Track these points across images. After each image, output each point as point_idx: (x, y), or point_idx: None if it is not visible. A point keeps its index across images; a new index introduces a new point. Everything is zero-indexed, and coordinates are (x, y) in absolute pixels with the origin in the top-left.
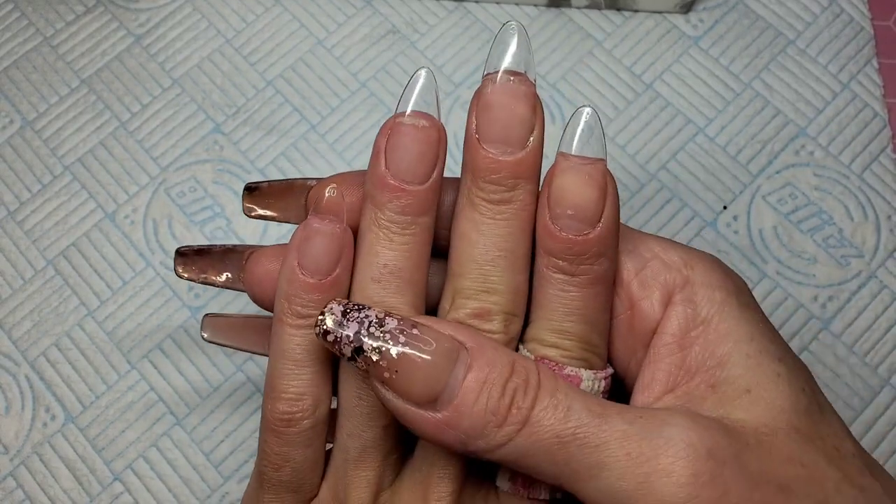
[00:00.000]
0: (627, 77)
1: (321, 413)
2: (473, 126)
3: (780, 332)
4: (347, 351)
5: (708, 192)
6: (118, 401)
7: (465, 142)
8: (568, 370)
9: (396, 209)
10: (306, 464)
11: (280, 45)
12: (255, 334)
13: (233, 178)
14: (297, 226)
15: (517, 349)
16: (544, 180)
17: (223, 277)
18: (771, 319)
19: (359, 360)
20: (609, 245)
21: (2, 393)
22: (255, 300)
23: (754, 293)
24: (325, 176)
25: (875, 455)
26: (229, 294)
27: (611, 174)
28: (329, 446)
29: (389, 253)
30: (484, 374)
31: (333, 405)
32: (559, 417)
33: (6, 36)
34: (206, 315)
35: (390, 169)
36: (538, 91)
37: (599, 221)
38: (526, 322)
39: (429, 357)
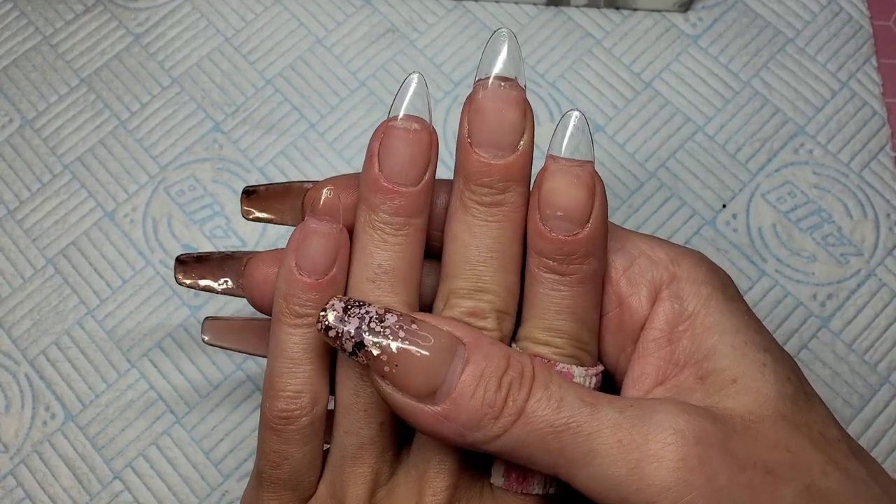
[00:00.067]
0: (626, 75)
1: (319, 411)
2: (465, 130)
3: (780, 330)
4: (348, 346)
5: (707, 190)
6: (118, 399)
7: (457, 146)
8: (560, 367)
9: (390, 211)
10: (304, 461)
11: (279, 43)
12: (255, 337)
13: (232, 176)
14: (294, 227)
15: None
16: (534, 182)
17: (222, 284)
18: (770, 317)
19: (359, 354)
20: (598, 245)
21: (1, 391)
22: (255, 305)
23: (753, 291)
24: (324, 175)
25: (874, 452)
26: None
27: (598, 176)
28: (327, 447)
29: (384, 253)
30: (481, 369)
31: (331, 405)
32: (553, 408)
33: (6, 35)
34: (207, 318)
35: (383, 171)
36: (537, 90)
37: (588, 222)
38: (518, 321)
39: (427, 352)
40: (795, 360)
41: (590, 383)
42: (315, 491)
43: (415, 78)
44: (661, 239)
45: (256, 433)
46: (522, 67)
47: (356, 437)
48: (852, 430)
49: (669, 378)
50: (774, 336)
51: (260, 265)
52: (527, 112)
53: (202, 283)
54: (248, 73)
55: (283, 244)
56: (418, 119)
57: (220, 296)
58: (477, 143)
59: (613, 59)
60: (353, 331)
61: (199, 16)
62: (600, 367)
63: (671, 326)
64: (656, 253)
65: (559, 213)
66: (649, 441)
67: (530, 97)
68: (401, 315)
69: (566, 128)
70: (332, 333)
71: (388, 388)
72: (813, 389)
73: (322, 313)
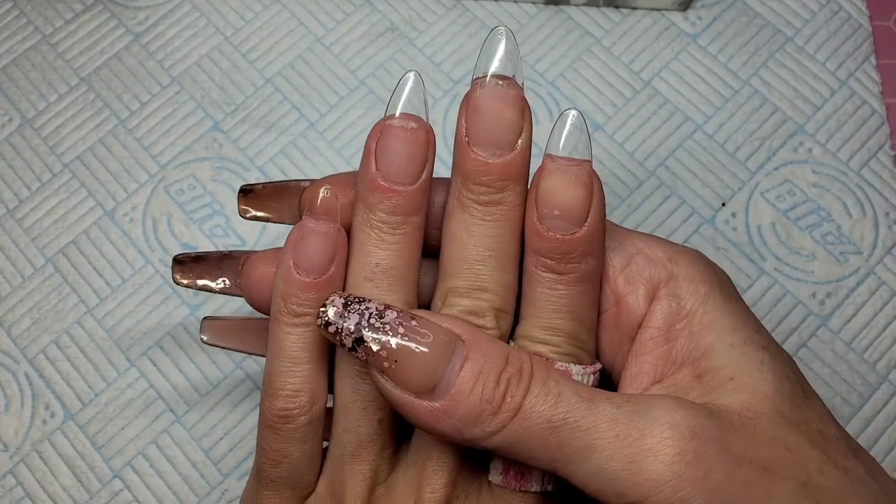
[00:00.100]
0: (626, 74)
1: (318, 409)
2: (463, 129)
3: (779, 328)
4: (348, 342)
5: (706, 188)
6: (117, 398)
7: (454, 145)
8: (558, 366)
9: (387, 209)
10: (303, 460)
11: (279, 42)
12: (254, 336)
13: (232, 175)
14: (292, 226)
15: None
16: (532, 181)
17: (220, 283)
18: (769, 316)
19: (359, 350)
20: (595, 244)
21: (1, 390)
22: (252, 304)
23: (752, 290)
24: (323, 174)
25: (873, 451)
26: None
27: (596, 175)
28: (326, 444)
29: (381, 252)
30: (479, 365)
31: (330, 403)
32: (550, 403)
33: (5, 34)
34: (205, 318)
35: (380, 170)
36: (537, 89)
37: (586, 221)
38: (516, 320)
39: (426, 348)
40: (794, 358)
41: (587, 381)
42: (314, 488)
43: (411, 76)
44: (658, 237)
45: (256, 432)
46: (520, 65)
47: (355, 435)
48: (851, 428)
49: (667, 376)
50: (773, 335)
51: (258, 264)
52: (525, 110)
53: (200, 282)
54: (248, 72)
55: (282, 243)
56: (415, 117)
57: (219, 295)
58: (475, 141)
59: (613, 57)
60: (352, 327)
61: (198, 15)
62: (598, 366)
63: (669, 325)
64: (654, 251)
65: (557, 213)
66: (646, 436)
67: (529, 96)
68: (400, 311)
69: (563, 126)
70: (331, 329)
71: (387, 384)
72: (811, 387)
73: (322, 309)
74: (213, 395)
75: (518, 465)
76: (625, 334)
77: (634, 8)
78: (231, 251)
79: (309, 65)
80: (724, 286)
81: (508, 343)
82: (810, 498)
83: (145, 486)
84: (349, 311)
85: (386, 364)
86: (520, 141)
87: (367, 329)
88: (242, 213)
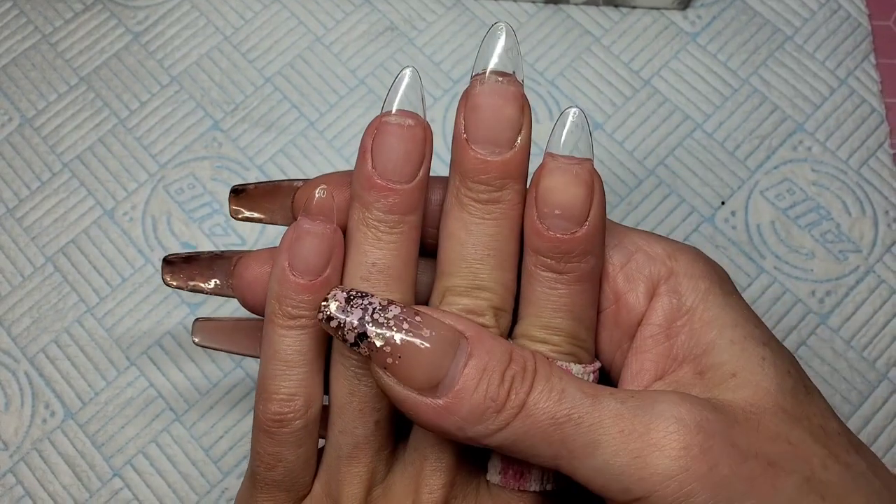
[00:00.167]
0: (625, 73)
1: (313, 413)
2: (462, 126)
3: (778, 326)
4: (351, 337)
5: (706, 187)
6: (117, 397)
7: (453, 142)
8: (557, 364)
9: (384, 208)
10: (298, 463)
11: (278, 42)
12: (246, 337)
13: (231, 174)
14: (284, 227)
15: None
16: (532, 180)
17: (211, 284)
18: (769, 314)
19: (362, 345)
20: (596, 243)
21: (1, 389)
22: (245, 305)
23: (752, 288)
24: (322, 173)
25: (874, 448)
26: None
27: (597, 173)
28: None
29: (378, 252)
30: (484, 363)
31: (326, 402)
32: (554, 400)
33: (5, 34)
34: (197, 319)
35: (377, 168)
36: (536, 88)
37: (586, 220)
38: (515, 319)
39: (430, 345)
40: (794, 356)
41: (587, 380)
42: (310, 490)
43: (408, 72)
44: (657, 235)
45: None
46: (520, 62)
47: (351, 437)
48: (851, 425)
49: (668, 373)
50: (773, 333)
51: (251, 265)
52: (524, 107)
53: (190, 283)
54: (248, 72)
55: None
56: (412, 114)
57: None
58: (473, 139)
59: (612, 56)
60: (356, 321)
61: (198, 14)
62: (597, 364)
63: (669, 321)
64: (653, 248)
65: (557, 212)
66: (651, 430)
67: (529, 95)
68: (404, 307)
69: (564, 125)
70: (333, 324)
71: (389, 381)
72: (811, 382)
73: (323, 303)
74: (213, 393)
75: (517, 465)
76: (624, 332)
77: (634, 7)
78: (223, 251)
79: (308, 64)
80: (723, 283)
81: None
82: (814, 492)
83: (145, 484)
84: (352, 306)
85: (389, 360)
86: (519, 138)
87: (370, 324)
88: (234, 214)
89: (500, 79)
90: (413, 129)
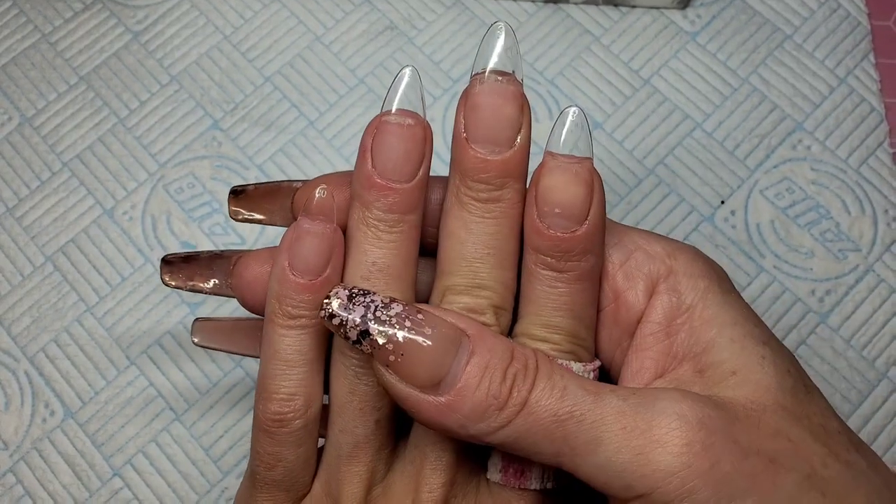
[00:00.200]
0: (625, 72)
1: (313, 413)
2: (461, 126)
3: (778, 325)
4: (353, 334)
5: (705, 186)
6: (117, 396)
7: (453, 141)
8: (558, 363)
9: (384, 207)
10: (298, 462)
11: (278, 41)
12: (246, 337)
13: (231, 174)
14: (283, 228)
15: None
16: (532, 179)
17: (211, 284)
18: (768, 313)
19: (364, 343)
20: (596, 242)
21: (1, 389)
22: (245, 305)
23: (751, 287)
24: (323, 172)
25: (873, 447)
26: None
27: (597, 172)
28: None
29: (378, 251)
30: (486, 360)
31: (325, 402)
32: (556, 397)
33: (5, 33)
34: (196, 319)
35: (377, 168)
36: (536, 87)
37: (586, 219)
38: (515, 317)
39: (432, 342)
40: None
41: (588, 378)
42: (310, 489)
43: (408, 71)
44: (656, 234)
45: None
46: (520, 61)
47: (351, 436)
48: (851, 424)
49: (668, 371)
50: (772, 332)
51: (250, 264)
52: (524, 107)
53: (190, 283)
54: (247, 71)
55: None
56: (412, 113)
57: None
58: (473, 138)
59: (612, 56)
60: (358, 319)
61: (197, 13)
62: (597, 363)
63: (669, 320)
64: (652, 247)
65: (557, 210)
66: (653, 427)
67: (529, 94)
68: (406, 305)
69: (564, 124)
70: (335, 321)
71: (391, 379)
72: (811, 381)
73: (325, 300)
74: (213, 393)
75: (517, 463)
76: (624, 330)
77: (633, 6)
78: (222, 251)
79: (308, 63)
80: (722, 281)
81: None
82: (815, 489)
83: (145, 484)
84: (354, 304)
85: (392, 358)
86: (519, 138)
87: (373, 322)
88: (233, 215)
89: (500, 78)
90: (413, 128)
